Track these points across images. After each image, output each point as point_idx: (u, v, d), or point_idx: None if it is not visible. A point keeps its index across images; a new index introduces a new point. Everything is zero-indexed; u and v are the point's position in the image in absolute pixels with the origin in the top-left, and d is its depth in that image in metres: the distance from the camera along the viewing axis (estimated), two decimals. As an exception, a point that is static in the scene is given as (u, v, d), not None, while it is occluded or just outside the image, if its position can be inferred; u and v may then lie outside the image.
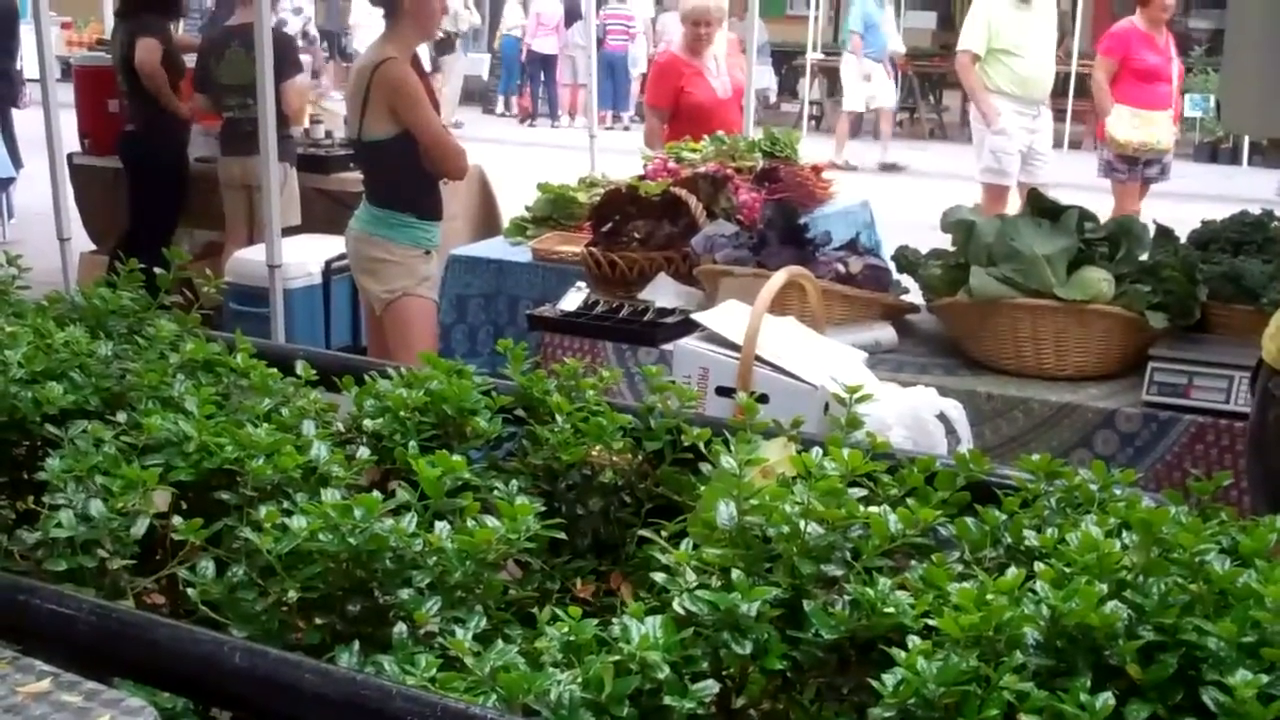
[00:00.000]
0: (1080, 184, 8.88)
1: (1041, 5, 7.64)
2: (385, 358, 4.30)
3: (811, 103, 17.80)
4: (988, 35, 7.52)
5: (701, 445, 1.69)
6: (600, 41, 17.01)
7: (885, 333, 3.49)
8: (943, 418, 2.29)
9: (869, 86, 14.20)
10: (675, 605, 1.27)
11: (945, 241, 3.56)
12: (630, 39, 17.49)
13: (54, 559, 1.44)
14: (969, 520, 1.44)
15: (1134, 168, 7.88)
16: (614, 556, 1.70)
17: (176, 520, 1.50)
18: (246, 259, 5.93)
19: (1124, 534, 1.37)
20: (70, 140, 6.94)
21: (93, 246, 7.36)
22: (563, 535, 1.51)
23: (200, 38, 7.60)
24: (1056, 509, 1.53)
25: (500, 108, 18.88)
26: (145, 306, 2.17)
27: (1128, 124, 7.76)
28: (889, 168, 13.87)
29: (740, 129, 6.41)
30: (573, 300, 3.85)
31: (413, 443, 1.66)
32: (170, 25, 7.01)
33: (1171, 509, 1.38)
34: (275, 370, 1.89)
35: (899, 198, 9.81)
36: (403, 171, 4.34)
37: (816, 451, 1.52)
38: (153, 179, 6.76)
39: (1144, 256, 3.38)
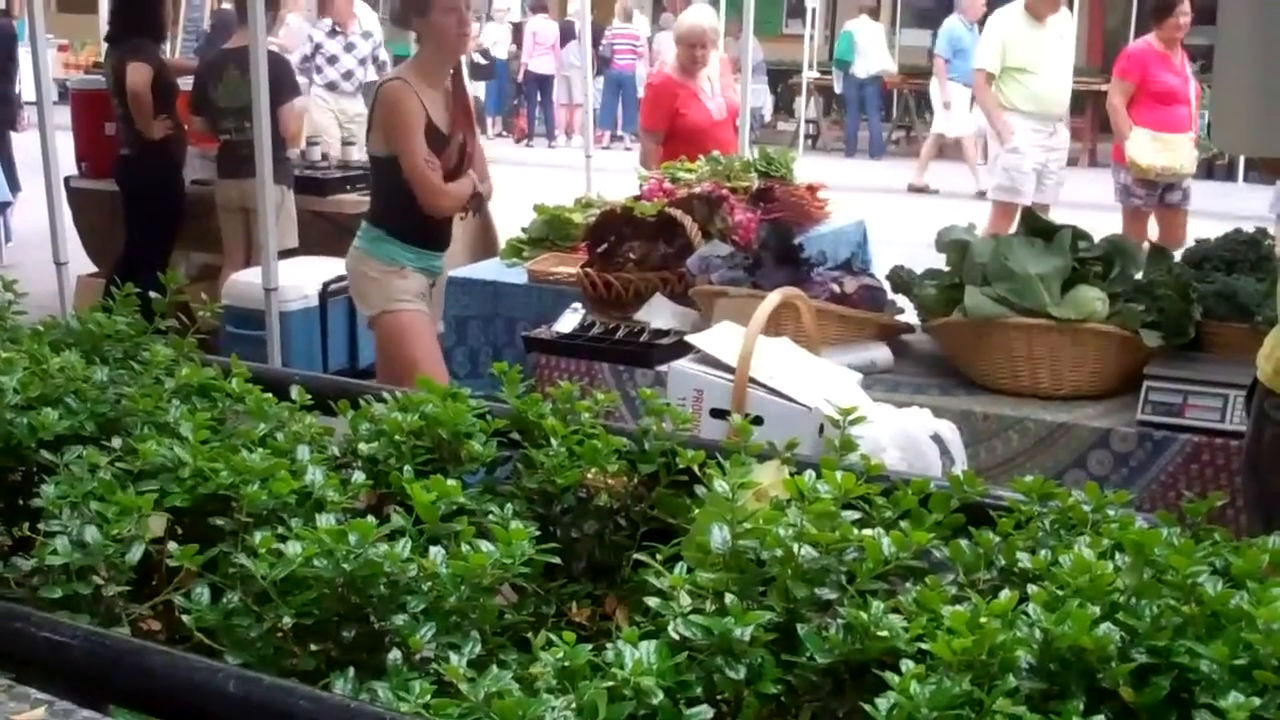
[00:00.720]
0: (1079, 202, 8.89)
1: (1056, 23, 7.63)
2: (388, 375, 4.34)
3: (807, 121, 17.86)
4: (1002, 53, 7.52)
5: (696, 468, 1.69)
6: (608, 61, 17.12)
7: (880, 353, 3.49)
8: (937, 439, 2.29)
9: (947, 113, 13.76)
10: (669, 630, 1.27)
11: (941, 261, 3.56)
12: (638, 57, 17.50)
13: (49, 586, 1.43)
14: (963, 543, 1.45)
15: (1153, 192, 7.61)
16: (609, 580, 1.70)
17: (172, 546, 1.50)
18: (243, 282, 5.94)
19: (1117, 556, 1.38)
20: (67, 163, 6.95)
21: (91, 269, 7.37)
22: (558, 559, 1.51)
23: (198, 60, 7.62)
24: (1050, 531, 1.53)
25: (489, 129, 18.92)
26: (141, 331, 2.17)
27: (1149, 148, 7.38)
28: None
29: (735, 149, 6.42)
30: (569, 321, 3.86)
31: (408, 467, 1.66)
32: (159, 48, 7.02)
33: (1164, 531, 1.39)
34: (270, 395, 1.89)
35: (896, 217, 9.81)
36: (390, 191, 4.38)
37: (810, 474, 1.52)
38: (148, 203, 6.76)
39: (1138, 275, 3.39)
